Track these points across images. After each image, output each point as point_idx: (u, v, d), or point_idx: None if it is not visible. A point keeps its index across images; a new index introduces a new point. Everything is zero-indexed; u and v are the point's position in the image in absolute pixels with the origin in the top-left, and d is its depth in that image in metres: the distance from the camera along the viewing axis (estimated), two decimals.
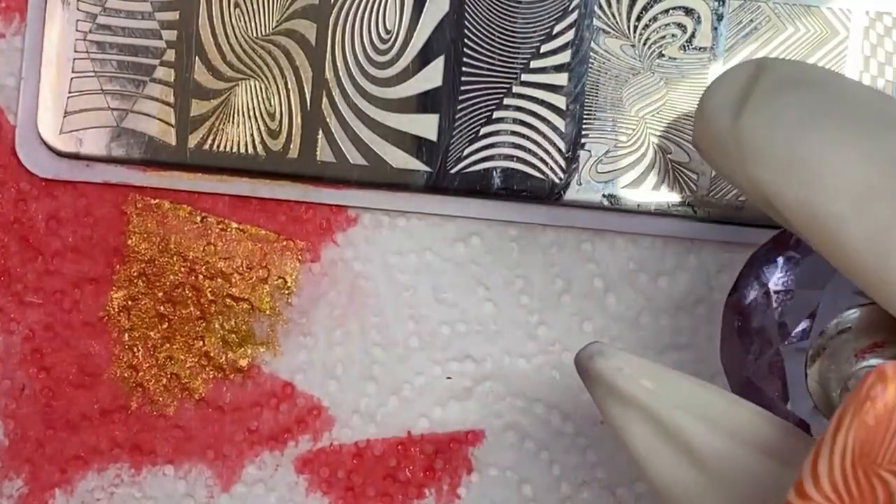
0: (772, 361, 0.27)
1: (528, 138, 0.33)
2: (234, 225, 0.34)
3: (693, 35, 0.33)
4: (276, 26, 0.33)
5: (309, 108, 0.33)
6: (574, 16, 0.33)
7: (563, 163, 0.33)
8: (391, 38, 0.33)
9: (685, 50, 0.33)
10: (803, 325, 0.27)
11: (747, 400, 0.28)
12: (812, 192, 0.21)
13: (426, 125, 0.33)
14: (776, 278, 0.27)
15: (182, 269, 0.34)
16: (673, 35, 0.33)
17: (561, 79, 0.33)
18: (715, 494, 0.22)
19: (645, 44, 0.33)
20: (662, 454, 0.23)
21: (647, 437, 0.23)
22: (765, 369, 0.27)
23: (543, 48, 0.33)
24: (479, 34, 0.33)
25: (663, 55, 0.33)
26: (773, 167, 0.22)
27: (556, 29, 0.33)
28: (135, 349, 0.34)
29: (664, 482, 0.23)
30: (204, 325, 0.34)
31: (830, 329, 0.26)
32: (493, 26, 0.33)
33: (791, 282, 0.27)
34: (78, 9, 0.33)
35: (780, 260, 0.27)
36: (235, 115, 0.33)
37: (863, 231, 0.20)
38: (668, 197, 0.33)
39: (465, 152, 0.33)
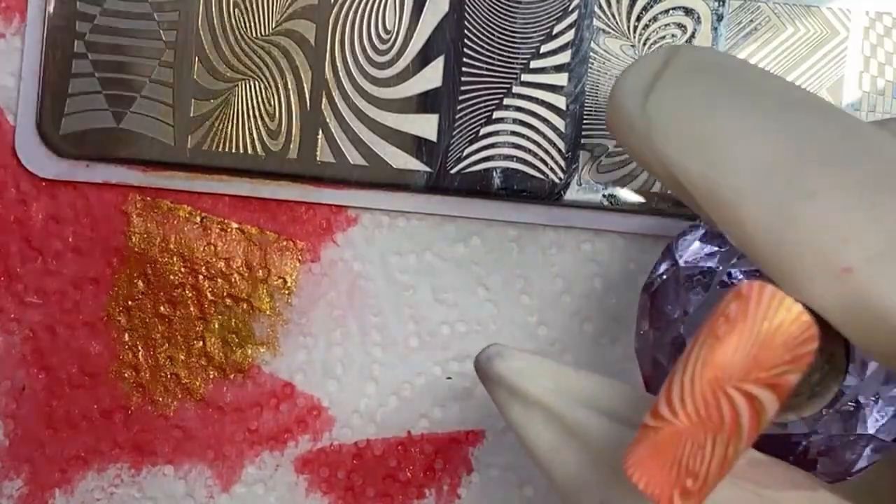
0: (675, 339, 0.27)
1: (528, 138, 0.33)
2: (234, 225, 0.34)
3: (693, 35, 0.33)
4: (276, 27, 0.33)
5: (309, 108, 0.33)
6: (574, 16, 0.33)
7: (563, 163, 0.33)
8: (391, 38, 0.33)
9: None
10: (701, 300, 0.27)
11: (655, 380, 0.28)
12: (713, 168, 0.21)
13: (426, 125, 0.33)
14: (684, 259, 0.27)
15: (182, 270, 0.34)
16: (673, 35, 0.33)
17: (561, 79, 0.33)
18: (617, 488, 0.22)
19: (645, 44, 0.33)
20: (564, 452, 0.23)
21: (549, 435, 0.23)
22: (669, 348, 0.27)
23: (543, 48, 0.33)
24: (479, 34, 0.33)
25: None
26: (678, 145, 0.22)
27: (556, 29, 0.33)
28: (135, 349, 0.34)
29: (566, 480, 0.23)
30: (204, 325, 0.34)
31: None
32: (493, 26, 0.33)
33: (696, 262, 0.27)
34: (77, 9, 0.33)
35: (690, 241, 0.28)
36: (235, 116, 0.33)
37: (760, 206, 0.21)
38: (668, 197, 0.33)
39: (465, 152, 0.33)
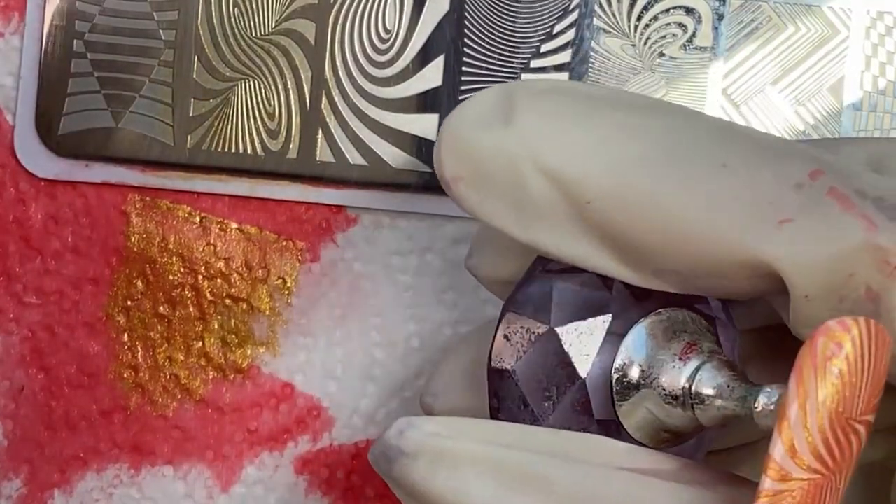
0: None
1: None
2: (234, 225, 0.34)
3: (694, 35, 0.33)
4: (276, 26, 0.33)
5: (308, 108, 0.33)
6: (574, 15, 0.33)
7: None
8: (391, 37, 0.33)
9: (686, 49, 0.33)
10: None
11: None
12: (616, 165, 0.22)
13: (426, 125, 0.33)
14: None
15: (181, 270, 0.34)
16: (673, 35, 0.33)
17: (562, 78, 0.33)
18: None
19: (645, 43, 0.33)
20: (516, 499, 0.22)
21: (490, 487, 0.21)
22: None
23: (544, 48, 0.33)
24: (479, 34, 0.33)
25: (664, 55, 0.33)
26: (569, 153, 0.22)
27: (557, 28, 0.33)
28: (134, 349, 0.34)
29: None
30: (203, 325, 0.34)
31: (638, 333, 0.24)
32: (493, 26, 0.33)
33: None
34: (76, 8, 0.33)
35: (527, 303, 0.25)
36: (235, 115, 0.33)
37: (676, 188, 0.22)
38: None
39: None
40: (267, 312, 0.34)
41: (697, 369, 0.23)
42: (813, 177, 0.22)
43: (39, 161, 0.33)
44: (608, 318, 0.24)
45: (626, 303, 0.24)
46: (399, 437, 0.22)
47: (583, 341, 0.24)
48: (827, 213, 0.21)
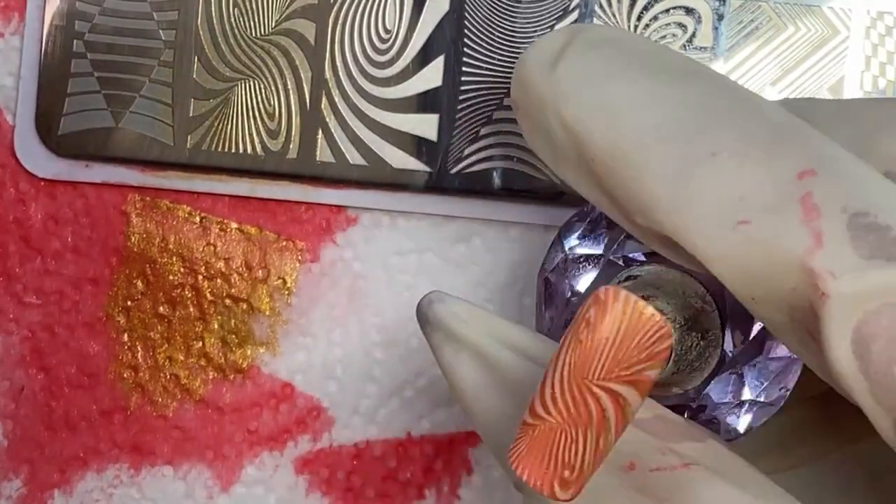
0: (568, 321, 0.29)
1: None
2: (234, 225, 0.34)
3: (694, 35, 0.33)
4: (276, 26, 0.33)
5: (308, 108, 0.33)
6: (574, 15, 0.33)
7: None
8: (391, 37, 0.33)
9: (686, 49, 0.33)
10: (588, 284, 0.29)
11: None
12: (616, 128, 0.23)
13: (426, 125, 0.33)
14: (573, 244, 0.29)
15: (181, 270, 0.34)
16: (673, 35, 0.33)
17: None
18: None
19: None
20: (487, 390, 0.25)
21: (475, 375, 0.25)
22: (565, 329, 0.28)
23: None
24: (479, 34, 0.33)
25: None
26: (584, 109, 0.24)
27: (557, 28, 0.33)
28: (134, 350, 0.34)
29: (487, 418, 0.25)
30: (203, 325, 0.34)
31: (614, 282, 0.28)
32: (494, 26, 0.33)
33: (586, 247, 0.29)
34: (76, 8, 0.33)
35: (578, 226, 0.29)
36: (235, 116, 0.33)
37: (661, 163, 0.23)
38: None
39: (465, 152, 0.33)
40: (267, 312, 0.34)
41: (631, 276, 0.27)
42: (800, 176, 0.22)
43: (39, 161, 0.33)
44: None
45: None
46: (428, 306, 0.26)
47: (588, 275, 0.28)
48: (787, 220, 0.21)
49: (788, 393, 0.27)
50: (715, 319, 0.27)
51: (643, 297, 0.23)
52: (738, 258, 0.22)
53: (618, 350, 0.20)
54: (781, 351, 0.27)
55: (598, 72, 0.24)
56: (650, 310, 0.20)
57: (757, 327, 0.27)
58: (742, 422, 0.28)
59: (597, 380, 0.20)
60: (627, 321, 0.20)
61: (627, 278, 0.28)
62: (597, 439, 0.21)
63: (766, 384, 0.27)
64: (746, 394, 0.27)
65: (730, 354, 0.28)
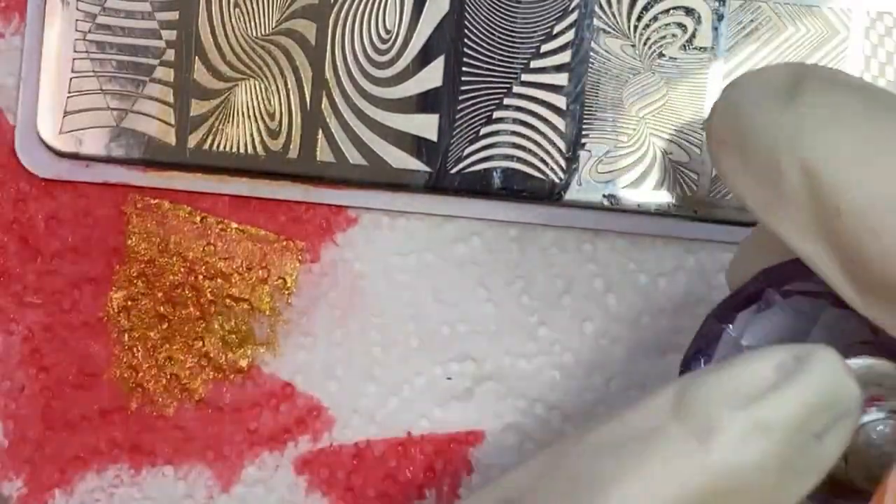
0: None
1: (528, 138, 0.33)
2: (234, 225, 0.34)
3: (693, 35, 0.33)
4: (276, 26, 0.33)
5: (309, 108, 0.33)
6: (574, 16, 0.33)
7: (563, 163, 0.33)
8: (391, 38, 0.33)
9: (686, 50, 0.33)
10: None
11: None
12: (882, 185, 0.20)
13: (426, 125, 0.33)
14: (745, 332, 0.25)
15: (182, 270, 0.34)
16: (673, 35, 0.33)
17: (561, 79, 0.33)
18: None
19: (645, 44, 0.33)
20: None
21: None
22: None
23: (543, 48, 0.33)
24: (479, 34, 0.33)
25: (664, 55, 0.33)
26: (838, 155, 0.21)
27: (557, 29, 0.33)
28: (134, 350, 0.34)
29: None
30: (204, 325, 0.34)
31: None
32: (493, 26, 0.33)
33: (764, 334, 0.25)
34: (77, 9, 0.33)
35: (745, 314, 0.25)
36: (235, 115, 0.33)
37: (880, 222, 0.20)
38: (669, 197, 0.33)
39: (465, 152, 0.33)
40: (267, 312, 0.34)
41: (871, 423, 0.23)
42: None
43: (40, 161, 0.33)
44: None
45: (834, 334, 0.24)
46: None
47: None
48: None
49: None
50: None
51: (875, 398, 0.21)
52: None
53: None
54: None
55: (848, 112, 0.21)
56: None
57: None
58: None
59: None
60: None
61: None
62: None
63: None
64: None
65: None
